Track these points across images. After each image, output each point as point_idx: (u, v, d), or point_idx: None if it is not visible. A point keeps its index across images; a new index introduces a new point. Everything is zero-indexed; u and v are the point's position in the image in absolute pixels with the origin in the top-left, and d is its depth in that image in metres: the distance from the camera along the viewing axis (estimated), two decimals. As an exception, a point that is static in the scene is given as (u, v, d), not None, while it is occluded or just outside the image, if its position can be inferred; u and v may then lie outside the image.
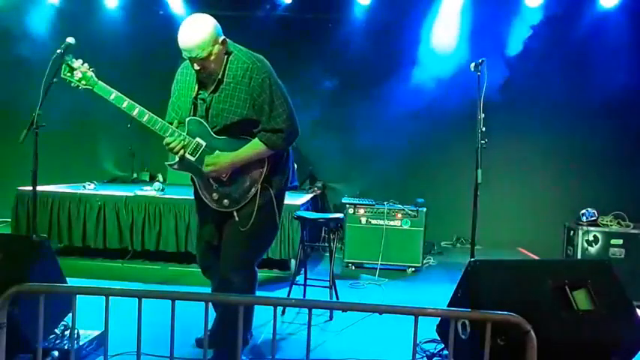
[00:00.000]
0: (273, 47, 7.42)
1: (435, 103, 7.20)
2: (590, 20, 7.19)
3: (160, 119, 2.93)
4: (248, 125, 2.90)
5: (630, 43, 7.06)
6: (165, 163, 3.05)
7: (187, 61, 2.90)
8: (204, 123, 2.93)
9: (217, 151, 2.92)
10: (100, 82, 2.95)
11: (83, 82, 2.93)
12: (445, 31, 7.27)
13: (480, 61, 3.96)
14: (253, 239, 3.00)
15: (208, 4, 7.47)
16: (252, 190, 2.95)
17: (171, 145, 2.90)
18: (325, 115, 7.46)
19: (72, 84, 2.95)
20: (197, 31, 2.77)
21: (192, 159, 2.93)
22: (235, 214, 2.96)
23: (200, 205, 3.14)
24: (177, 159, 2.95)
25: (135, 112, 2.91)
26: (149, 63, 7.31)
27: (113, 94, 2.93)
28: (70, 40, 3.24)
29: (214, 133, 2.93)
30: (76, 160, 7.38)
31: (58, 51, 3.25)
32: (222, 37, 2.85)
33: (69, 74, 2.94)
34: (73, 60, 2.95)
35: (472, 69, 3.99)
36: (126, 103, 2.92)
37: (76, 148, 7.49)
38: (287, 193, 3.27)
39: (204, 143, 2.93)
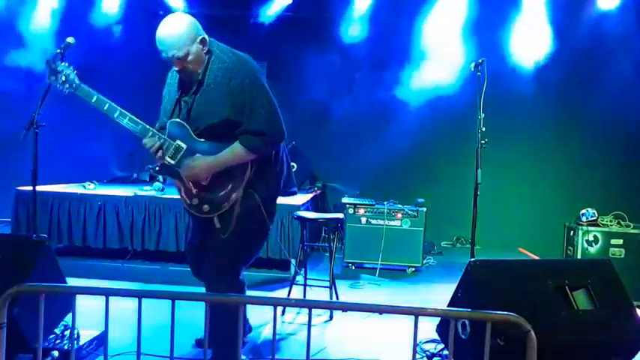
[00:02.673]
0: (272, 46, 7.50)
1: (436, 103, 7.21)
2: (593, 21, 7.18)
3: (140, 121, 2.87)
4: (230, 127, 2.80)
5: (632, 44, 7.06)
6: (147, 166, 3.01)
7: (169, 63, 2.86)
8: (186, 125, 2.86)
9: (197, 155, 2.83)
10: (82, 84, 2.90)
11: (67, 85, 2.88)
12: (445, 31, 7.27)
13: (480, 61, 3.97)
14: (236, 247, 2.90)
15: (207, 4, 7.50)
16: (234, 195, 2.84)
17: (148, 147, 2.84)
18: (325, 114, 7.46)
19: (57, 87, 2.91)
20: (172, 31, 2.74)
21: (172, 162, 2.86)
22: (216, 220, 2.87)
23: (188, 214, 3.11)
24: (157, 163, 2.90)
25: (115, 115, 2.86)
26: (149, 63, 7.30)
27: (94, 97, 2.89)
28: (70, 40, 3.24)
29: (196, 135, 2.85)
30: (76, 160, 7.37)
31: (58, 51, 3.25)
32: (202, 36, 2.80)
33: (53, 78, 2.90)
34: (58, 63, 2.90)
35: (472, 69, 4.01)
36: (107, 105, 2.87)
37: (75, 148, 7.48)
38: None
39: (184, 146, 2.85)
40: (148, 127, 2.87)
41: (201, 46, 2.79)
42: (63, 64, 2.90)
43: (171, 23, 2.77)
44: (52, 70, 2.89)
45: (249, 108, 2.76)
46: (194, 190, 2.88)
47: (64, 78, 2.87)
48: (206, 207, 2.86)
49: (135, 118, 2.87)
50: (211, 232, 2.92)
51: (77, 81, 2.89)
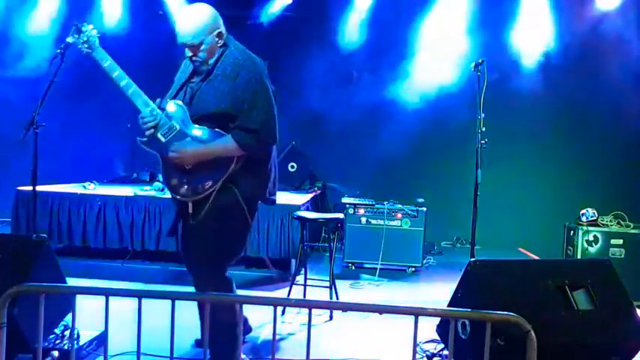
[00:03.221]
0: (272, 46, 7.49)
1: (436, 103, 7.21)
2: (594, 20, 7.18)
3: (143, 94, 2.95)
4: (226, 119, 2.86)
5: (633, 44, 7.06)
6: (137, 138, 3.02)
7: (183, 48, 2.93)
8: (185, 109, 2.93)
9: (189, 139, 2.88)
10: (100, 48, 2.99)
11: (86, 45, 2.97)
12: (445, 31, 7.27)
13: (480, 61, 3.98)
14: (209, 241, 2.90)
15: (207, 3, 7.50)
16: (213, 185, 2.85)
17: (145, 121, 2.91)
18: (325, 114, 7.46)
19: (77, 46, 3.00)
20: (192, 19, 2.85)
21: (163, 140, 2.92)
22: (190, 205, 2.91)
23: (173, 201, 3.13)
24: (148, 137, 2.95)
25: (122, 83, 2.94)
26: (149, 63, 7.31)
27: (108, 62, 2.96)
28: (70, 39, 3.26)
29: (193, 121, 2.91)
30: (76, 160, 7.38)
31: (58, 51, 3.29)
32: (220, 29, 2.90)
33: (76, 36, 2.99)
34: (84, 24, 3.01)
35: (472, 69, 4.01)
36: (117, 72, 2.95)
37: (75, 148, 7.48)
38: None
39: (178, 127, 2.91)
40: (149, 101, 2.95)
41: (217, 39, 2.89)
42: (90, 26, 3.00)
43: (193, 12, 2.88)
44: (77, 28, 2.99)
45: (249, 106, 2.82)
46: (176, 172, 2.92)
47: (85, 38, 2.96)
48: (183, 190, 2.90)
49: (139, 91, 2.95)
50: (187, 219, 2.97)
51: (97, 44, 2.98)
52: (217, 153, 2.85)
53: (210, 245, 2.91)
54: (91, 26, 2.99)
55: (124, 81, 2.94)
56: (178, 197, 2.94)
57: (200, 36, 2.83)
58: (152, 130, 2.91)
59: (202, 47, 2.85)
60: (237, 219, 2.93)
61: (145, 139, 2.95)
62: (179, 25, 2.86)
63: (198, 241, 2.93)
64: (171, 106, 2.94)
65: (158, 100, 3.02)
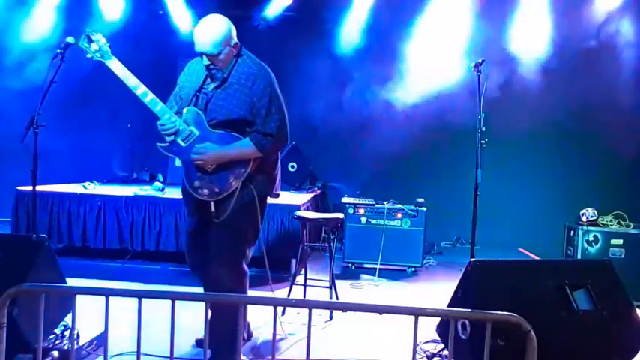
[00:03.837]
0: (273, 46, 7.50)
1: (436, 103, 7.20)
2: (594, 19, 7.17)
3: (160, 101, 3.09)
4: (243, 125, 3.05)
5: (633, 41, 7.06)
6: (157, 144, 3.14)
7: (199, 56, 3.07)
8: (202, 115, 3.08)
9: (208, 143, 3.04)
10: (114, 57, 3.11)
11: (98, 54, 3.10)
12: (445, 30, 7.26)
13: (480, 61, 3.97)
14: (233, 236, 3.08)
15: (207, 4, 7.50)
16: (234, 185, 3.03)
17: (165, 128, 3.06)
18: (325, 114, 7.46)
19: (87, 54, 3.11)
20: (212, 30, 2.99)
21: (183, 145, 3.07)
22: (212, 204, 3.04)
23: (186, 198, 3.24)
24: (168, 142, 3.09)
25: (139, 91, 3.07)
26: (149, 63, 7.32)
27: (123, 71, 3.09)
28: (70, 39, 3.29)
29: (210, 126, 3.06)
30: (76, 160, 7.38)
31: (58, 51, 3.31)
32: (235, 41, 3.07)
33: (86, 44, 3.10)
34: (94, 32, 3.12)
35: (472, 69, 4.00)
36: (133, 81, 3.08)
37: (76, 147, 7.48)
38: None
39: (197, 133, 3.07)
40: (167, 108, 3.09)
41: (232, 50, 3.06)
42: (99, 35, 3.12)
43: (212, 24, 3.02)
44: (88, 36, 3.10)
45: (266, 112, 3.03)
46: (198, 174, 3.07)
47: (97, 47, 3.10)
48: (205, 191, 3.05)
49: (156, 98, 3.07)
50: (207, 216, 3.10)
51: (109, 53, 3.12)
52: (237, 155, 3.03)
53: (238, 239, 3.10)
54: (99, 35, 3.11)
55: (140, 89, 3.07)
56: (201, 198, 3.06)
57: (218, 47, 2.98)
58: (172, 137, 3.06)
59: (219, 57, 3.01)
60: (255, 213, 3.12)
61: (166, 144, 3.10)
62: (198, 36, 2.99)
63: (225, 237, 3.07)
64: (189, 113, 3.09)
65: (175, 106, 3.16)
